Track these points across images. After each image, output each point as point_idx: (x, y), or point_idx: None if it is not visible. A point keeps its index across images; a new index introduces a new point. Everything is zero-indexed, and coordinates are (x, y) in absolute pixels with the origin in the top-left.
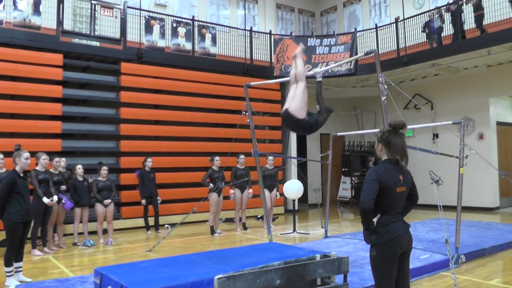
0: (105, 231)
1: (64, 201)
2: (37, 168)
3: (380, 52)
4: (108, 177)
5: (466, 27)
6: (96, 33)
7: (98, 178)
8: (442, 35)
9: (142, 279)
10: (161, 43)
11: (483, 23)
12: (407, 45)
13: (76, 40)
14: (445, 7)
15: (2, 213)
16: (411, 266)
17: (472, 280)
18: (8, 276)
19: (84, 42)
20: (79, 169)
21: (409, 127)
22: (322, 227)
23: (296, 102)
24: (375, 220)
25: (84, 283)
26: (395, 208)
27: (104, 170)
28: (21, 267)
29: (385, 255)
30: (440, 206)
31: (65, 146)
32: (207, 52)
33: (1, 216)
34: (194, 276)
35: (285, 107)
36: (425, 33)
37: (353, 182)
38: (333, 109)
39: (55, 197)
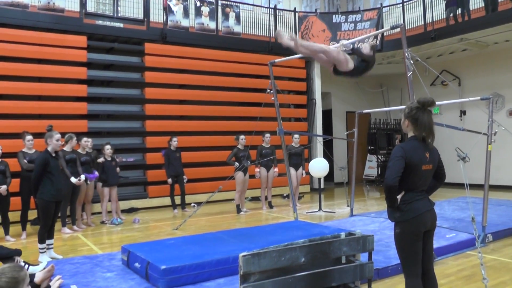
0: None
1: (89, 178)
2: (65, 148)
3: (406, 28)
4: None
5: None
6: (119, 14)
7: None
8: (470, 8)
9: (168, 256)
10: (184, 23)
11: None
12: (434, 20)
13: (100, 22)
14: None
15: (36, 192)
16: (436, 245)
17: (499, 259)
18: (41, 252)
19: (108, 23)
20: (108, 149)
21: (436, 103)
22: (348, 206)
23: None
24: (399, 197)
25: (112, 259)
26: (420, 186)
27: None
28: (52, 244)
29: (409, 233)
30: (466, 184)
31: (91, 126)
32: (231, 31)
33: (35, 195)
34: (219, 253)
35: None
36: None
37: (379, 160)
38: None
39: (83, 177)
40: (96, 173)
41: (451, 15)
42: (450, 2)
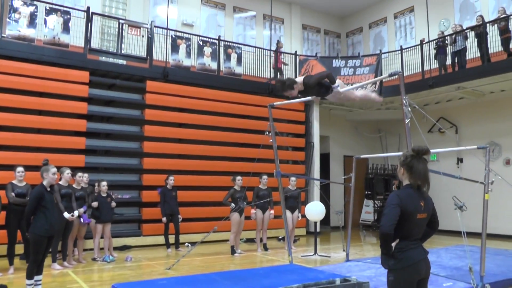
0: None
1: (82, 219)
2: (60, 182)
3: (405, 74)
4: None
5: (492, 50)
6: (123, 51)
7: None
8: (466, 58)
9: None
10: (187, 62)
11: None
12: (432, 67)
13: (103, 58)
14: (469, 29)
15: (28, 226)
16: None
17: None
18: None
19: (111, 60)
20: (104, 186)
21: (433, 151)
22: (343, 250)
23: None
24: (393, 244)
25: None
26: (414, 234)
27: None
28: (40, 280)
29: (402, 281)
30: (463, 232)
31: (88, 162)
32: (232, 72)
33: (27, 229)
34: None
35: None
36: (436, 60)
37: (376, 205)
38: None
39: (76, 212)
40: (88, 219)
41: (443, 64)
42: (440, 51)
